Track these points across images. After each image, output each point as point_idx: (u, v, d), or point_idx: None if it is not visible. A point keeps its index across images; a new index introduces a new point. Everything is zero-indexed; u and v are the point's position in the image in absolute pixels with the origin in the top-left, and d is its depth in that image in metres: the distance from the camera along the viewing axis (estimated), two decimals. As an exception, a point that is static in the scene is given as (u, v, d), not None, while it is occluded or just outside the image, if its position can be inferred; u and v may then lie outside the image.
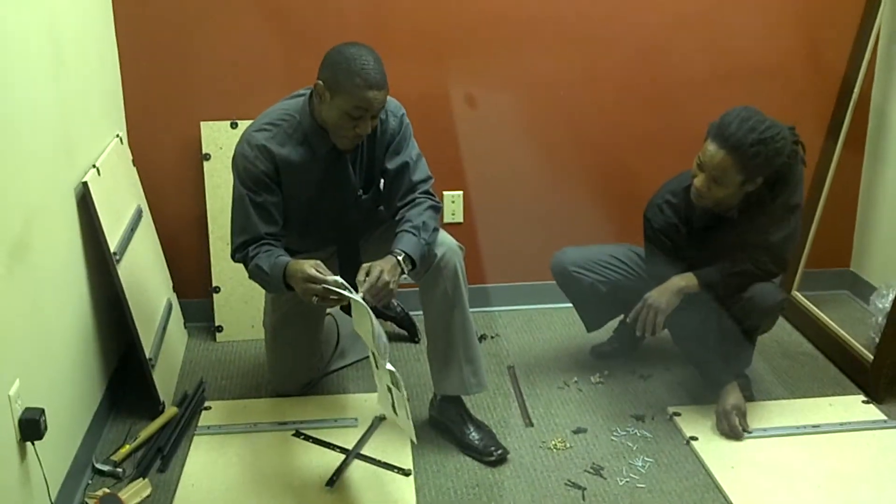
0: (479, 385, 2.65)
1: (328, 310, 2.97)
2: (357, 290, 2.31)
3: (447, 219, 3.42)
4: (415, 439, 2.37)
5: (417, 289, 2.62)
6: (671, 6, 3.28)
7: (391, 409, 2.37)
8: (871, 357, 2.96)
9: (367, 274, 2.33)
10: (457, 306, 2.57)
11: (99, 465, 2.52)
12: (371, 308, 2.23)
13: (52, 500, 2.15)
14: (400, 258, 2.39)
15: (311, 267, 2.32)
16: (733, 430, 2.68)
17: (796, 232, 2.77)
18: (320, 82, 2.39)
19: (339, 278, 2.31)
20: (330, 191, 2.57)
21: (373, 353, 2.34)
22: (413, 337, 3.31)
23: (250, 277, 2.54)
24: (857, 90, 3.29)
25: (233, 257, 2.56)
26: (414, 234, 2.45)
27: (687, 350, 2.88)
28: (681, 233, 2.73)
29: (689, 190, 2.66)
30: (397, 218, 2.55)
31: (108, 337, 2.80)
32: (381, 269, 2.34)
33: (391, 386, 2.28)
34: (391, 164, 2.58)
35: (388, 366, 2.21)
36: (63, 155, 2.51)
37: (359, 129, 2.40)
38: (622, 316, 3.12)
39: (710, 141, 2.55)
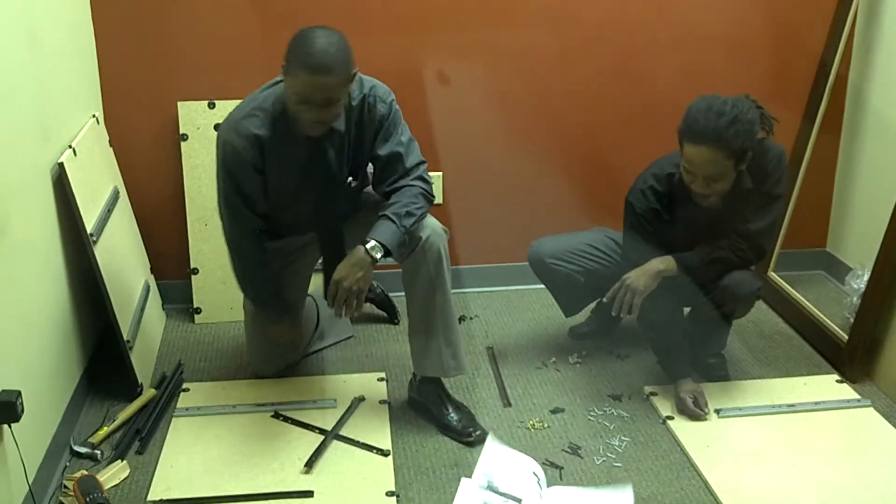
0: (459, 367, 2.66)
1: (308, 291, 2.98)
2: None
3: (426, 200, 3.42)
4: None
5: (400, 270, 2.62)
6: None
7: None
8: (846, 337, 2.99)
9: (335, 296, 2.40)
10: (439, 289, 2.57)
11: (77, 448, 2.52)
12: None
13: (30, 483, 2.15)
14: (368, 246, 2.39)
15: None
16: (690, 412, 2.71)
17: (777, 222, 2.77)
18: (284, 64, 2.35)
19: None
20: (312, 176, 2.55)
21: None
22: (392, 318, 3.31)
23: (232, 268, 2.64)
24: (834, 71, 3.30)
25: (226, 240, 2.63)
26: (394, 222, 2.43)
27: (651, 338, 2.90)
28: (663, 219, 2.73)
29: (672, 176, 2.65)
30: (388, 202, 2.52)
31: (85, 319, 2.79)
32: (338, 284, 2.38)
33: None
34: (382, 151, 2.54)
35: None
36: (39, 135, 2.49)
37: (309, 115, 2.34)
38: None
39: (687, 145, 2.52)
